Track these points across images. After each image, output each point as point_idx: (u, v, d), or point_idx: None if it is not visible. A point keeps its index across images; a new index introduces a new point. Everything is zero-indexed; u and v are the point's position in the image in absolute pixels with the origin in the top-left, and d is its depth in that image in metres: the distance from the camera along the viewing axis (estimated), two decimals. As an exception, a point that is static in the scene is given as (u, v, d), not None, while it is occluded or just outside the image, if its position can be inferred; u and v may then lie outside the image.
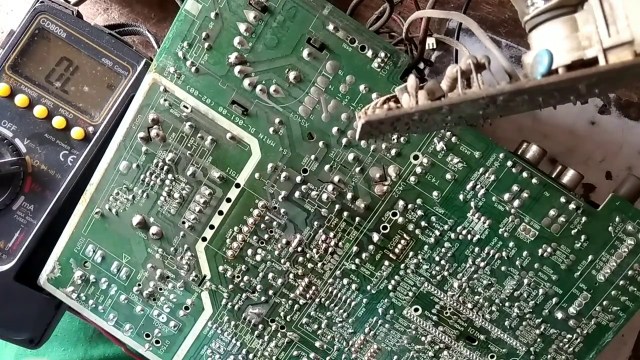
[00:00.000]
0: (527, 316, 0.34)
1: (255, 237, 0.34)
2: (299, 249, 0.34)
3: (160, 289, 0.36)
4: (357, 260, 0.34)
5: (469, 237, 0.33)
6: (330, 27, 0.31)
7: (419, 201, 0.33)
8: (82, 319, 0.37)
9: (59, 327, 0.43)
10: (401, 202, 0.33)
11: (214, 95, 0.32)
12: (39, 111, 0.34)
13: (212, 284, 0.35)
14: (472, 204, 0.33)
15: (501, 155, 0.32)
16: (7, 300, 0.36)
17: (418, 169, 0.32)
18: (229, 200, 0.34)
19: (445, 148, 0.32)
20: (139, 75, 0.34)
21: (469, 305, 0.34)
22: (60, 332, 0.44)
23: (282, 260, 0.35)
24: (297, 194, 0.33)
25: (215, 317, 0.36)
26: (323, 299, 0.35)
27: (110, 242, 0.35)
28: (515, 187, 0.32)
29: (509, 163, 0.32)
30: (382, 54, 0.31)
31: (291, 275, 0.35)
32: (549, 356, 0.35)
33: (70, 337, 0.44)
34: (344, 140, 0.32)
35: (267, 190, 0.33)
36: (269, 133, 0.32)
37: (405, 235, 0.34)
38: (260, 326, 0.36)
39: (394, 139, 0.32)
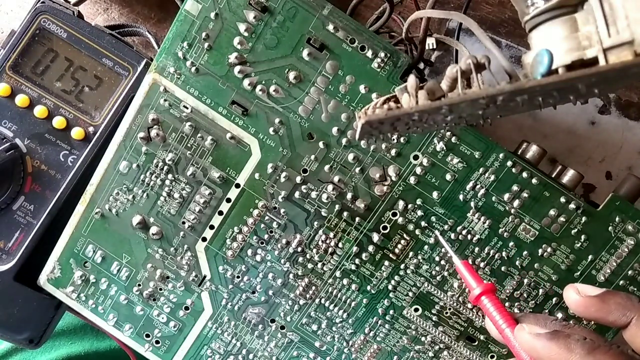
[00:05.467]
0: (527, 316, 0.34)
1: (255, 237, 0.34)
2: (299, 249, 0.34)
3: (160, 289, 0.36)
4: (357, 261, 0.34)
5: (469, 237, 0.33)
6: (330, 27, 0.31)
7: (419, 201, 0.33)
8: (82, 319, 0.37)
9: (65, 321, 0.44)
10: (401, 202, 0.33)
11: (214, 95, 0.32)
12: (40, 111, 0.34)
13: (212, 284, 0.35)
14: (472, 204, 0.33)
15: (501, 155, 0.32)
16: (7, 300, 0.36)
17: (418, 169, 0.32)
18: (229, 200, 0.34)
19: (445, 148, 0.32)
20: (139, 75, 0.34)
21: (469, 305, 0.34)
22: (67, 326, 0.44)
23: (282, 261, 0.35)
24: (297, 194, 0.33)
25: (215, 317, 0.36)
26: (323, 299, 0.35)
27: (110, 242, 0.35)
28: (515, 187, 0.32)
29: (509, 163, 0.32)
30: (382, 54, 0.31)
31: (291, 276, 0.35)
32: (549, 356, 0.35)
33: (77, 330, 0.44)
34: (344, 140, 0.32)
35: (267, 190, 0.33)
36: (269, 133, 0.32)
37: (405, 236, 0.34)
38: (260, 326, 0.36)
39: (394, 139, 0.32)
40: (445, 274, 0.34)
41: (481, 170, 0.32)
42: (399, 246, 0.34)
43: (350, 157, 0.32)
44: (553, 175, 0.32)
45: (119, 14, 0.46)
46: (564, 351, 0.22)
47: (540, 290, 0.34)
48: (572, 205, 0.32)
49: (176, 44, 0.31)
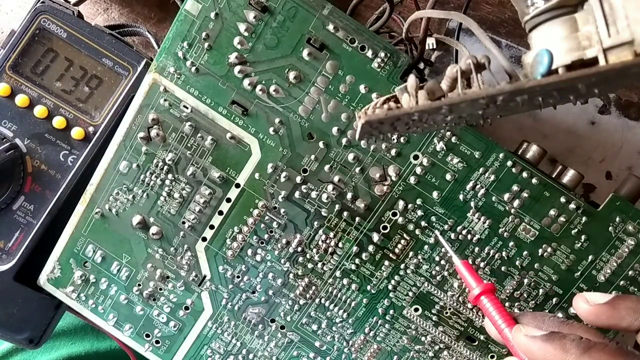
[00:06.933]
0: (527, 316, 0.34)
1: (255, 237, 0.34)
2: (299, 249, 0.34)
3: (160, 289, 0.36)
4: (357, 260, 0.34)
5: (469, 237, 0.33)
6: (330, 27, 0.31)
7: (419, 201, 0.33)
8: (82, 319, 0.37)
9: (65, 321, 0.44)
10: (401, 202, 0.33)
11: (214, 95, 0.32)
12: (40, 111, 0.34)
13: (212, 284, 0.35)
14: (472, 204, 0.33)
15: (501, 155, 0.32)
16: (7, 300, 0.36)
17: (418, 169, 0.32)
18: (229, 200, 0.34)
19: (445, 148, 0.32)
20: (139, 75, 0.34)
21: (469, 305, 0.34)
22: (67, 326, 0.44)
23: (282, 260, 0.35)
24: (297, 194, 0.33)
25: (215, 317, 0.36)
26: (323, 299, 0.35)
27: (110, 242, 0.35)
28: (515, 187, 0.32)
29: (509, 163, 0.32)
30: (382, 54, 0.31)
31: (291, 275, 0.35)
32: (549, 356, 0.35)
33: (77, 330, 0.44)
34: (344, 140, 0.32)
35: (267, 190, 0.33)
36: (269, 133, 0.32)
37: (405, 235, 0.34)
38: (260, 326, 0.36)
39: (394, 139, 0.32)
40: (445, 273, 0.34)
41: (481, 170, 0.32)
42: (399, 246, 0.34)
43: (350, 157, 0.32)
44: (553, 175, 0.32)
45: (119, 14, 0.46)
46: (560, 352, 0.22)
47: (541, 290, 0.34)
48: (572, 205, 0.32)
49: (176, 43, 0.31)
